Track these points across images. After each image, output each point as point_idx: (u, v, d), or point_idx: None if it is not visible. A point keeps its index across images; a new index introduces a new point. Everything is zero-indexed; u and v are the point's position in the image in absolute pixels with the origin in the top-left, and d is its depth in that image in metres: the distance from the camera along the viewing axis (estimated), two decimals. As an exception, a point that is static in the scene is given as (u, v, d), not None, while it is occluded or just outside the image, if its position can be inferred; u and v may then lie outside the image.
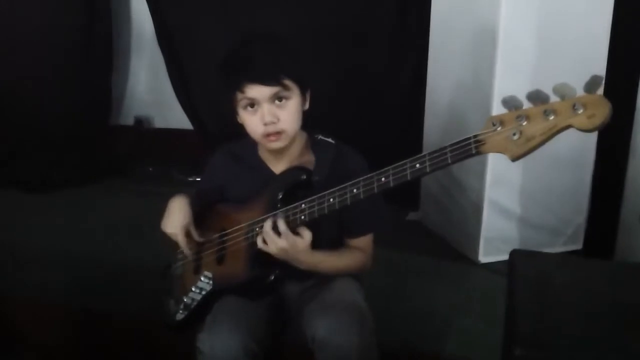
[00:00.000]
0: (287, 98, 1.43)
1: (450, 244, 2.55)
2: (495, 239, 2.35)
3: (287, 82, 1.41)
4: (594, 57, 2.26)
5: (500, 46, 2.14)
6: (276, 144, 1.47)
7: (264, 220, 1.43)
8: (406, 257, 2.44)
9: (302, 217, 1.36)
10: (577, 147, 2.32)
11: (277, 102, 1.43)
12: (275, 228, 1.37)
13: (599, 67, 2.25)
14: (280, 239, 1.36)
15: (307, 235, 1.38)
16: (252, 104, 1.43)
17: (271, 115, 1.42)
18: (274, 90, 1.41)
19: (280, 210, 1.41)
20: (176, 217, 1.54)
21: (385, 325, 1.47)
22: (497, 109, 2.12)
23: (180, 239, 1.53)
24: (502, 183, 2.29)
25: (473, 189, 2.35)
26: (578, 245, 2.47)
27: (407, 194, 2.71)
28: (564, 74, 2.10)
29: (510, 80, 2.14)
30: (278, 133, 1.45)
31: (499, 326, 1.66)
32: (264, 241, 1.39)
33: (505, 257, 2.28)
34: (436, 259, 2.44)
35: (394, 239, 2.48)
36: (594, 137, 2.35)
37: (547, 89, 1.04)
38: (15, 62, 3.30)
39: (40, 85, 3.34)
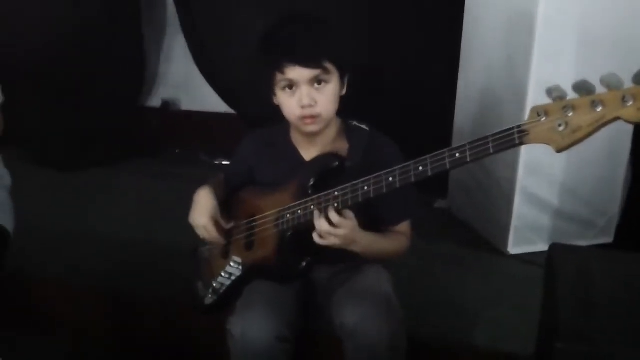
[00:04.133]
0: (326, 82, 1.41)
1: (479, 233, 2.51)
2: (526, 230, 2.31)
3: (328, 65, 1.39)
4: (634, 45, 2.19)
5: (538, 32, 2.07)
6: (311, 127, 1.46)
7: (295, 207, 1.43)
8: (434, 245, 2.42)
9: (335, 205, 1.34)
10: (612, 136, 2.26)
11: (316, 85, 1.41)
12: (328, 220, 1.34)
13: (637, 56, 2.19)
14: (338, 230, 1.33)
15: (350, 215, 1.36)
16: (291, 85, 1.42)
17: (309, 98, 1.40)
18: (314, 73, 1.39)
19: (312, 197, 1.40)
20: (203, 209, 1.55)
21: (414, 315, 1.46)
22: (533, 97, 2.11)
23: (210, 229, 1.53)
24: (534, 172, 2.24)
25: (504, 177, 2.31)
26: (610, 238, 2.41)
27: (435, 181, 2.67)
28: (602, 60, 2.09)
29: (548, 67, 2.08)
30: (314, 117, 1.43)
31: (530, 318, 1.65)
32: (320, 236, 1.35)
33: (535, 248, 2.31)
34: (464, 248, 2.41)
35: (420, 227, 2.46)
36: (629, 127, 2.30)
37: (586, 77, 1.02)
38: (46, 44, 3.32)
39: (71, 67, 3.35)
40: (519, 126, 1.06)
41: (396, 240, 1.53)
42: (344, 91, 1.48)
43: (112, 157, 3.45)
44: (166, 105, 3.72)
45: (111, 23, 3.42)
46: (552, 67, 2.09)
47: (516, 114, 2.16)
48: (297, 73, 1.39)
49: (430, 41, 2.87)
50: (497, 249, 2.37)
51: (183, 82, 3.66)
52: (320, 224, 1.34)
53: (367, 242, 1.41)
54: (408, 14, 2.89)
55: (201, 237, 1.57)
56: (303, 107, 1.41)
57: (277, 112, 1.51)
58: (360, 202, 1.30)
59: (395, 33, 2.94)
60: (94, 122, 3.42)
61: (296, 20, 1.45)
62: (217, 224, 1.55)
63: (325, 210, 1.34)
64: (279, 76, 1.41)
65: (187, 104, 3.73)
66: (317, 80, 1.40)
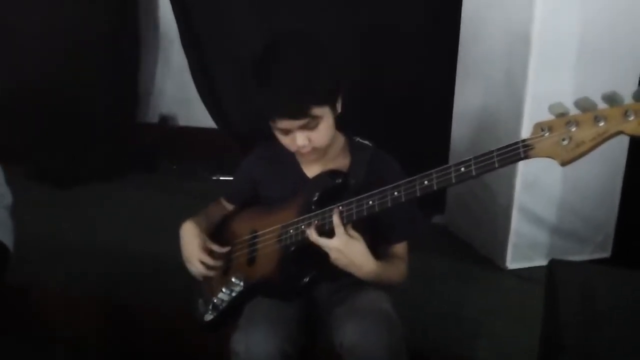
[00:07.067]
0: (318, 121, 1.40)
1: (477, 249, 2.52)
2: (523, 245, 2.32)
3: (316, 110, 1.38)
4: (629, 59, 2.23)
5: (534, 47, 2.10)
6: (311, 157, 1.48)
7: (297, 223, 1.43)
8: (431, 260, 2.42)
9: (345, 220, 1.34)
10: (608, 152, 2.26)
11: (309, 126, 1.41)
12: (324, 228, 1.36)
13: (634, 69, 2.23)
14: (332, 240, 1.35)
15: (357, 235, 1.36)
16: (285, 131, 1.43)
17: (303, 140, 1.42)
18: (304, 122, 1.39)
19: (315, 212, 1.40)
20: (191, 243, 1.56)
21: (413, 330, 1.46)
22: (530, 112, 2.13)
23: (206, 260, 1.54)
24: (531, 188, 2.26)
25: (502, 193, 2.33)
26: (607, 253, 2.43)
27: (433, 196, 2.67)
28: (598, 76, 2.12)
29: (545, 82, 2.11)
30: (311, 151, 1.45)
31: (530, 333, 1.65)
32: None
33: (533, 263, 2.31)
34: (462, 264, 2.42)
35: (418, 243, 2.47)
36: (625, 142, 2.32)
37: (582, 91, 1.06)
38: (44, 59, 3.34)
39: (68, 83, 3.37)
40: (523, 140, 1.08)
41: (398, 268, 1.53)
42: (339, 110, 1.47)
43: (111, 172, 3.44)
44: (164, 120, 3.73)
45: (109, 40, 3.44)
46: (548, 81, 2.12)
47: (513, 129, 2.19)
48: (287, 124, 1.40)
49: (427, 56, 2.90)
50: (494, 265, 2.38)
51: (181, 98, 3.68)
52: (311, 233, 1.37)
53: (372, 269, 1.40)
54: (405, 29, 2.92)
55: (197, 274, 1.57)
56: (299, 147, 1.43)
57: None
58: (365, 216, 1.31)
59: (392, 48, 2.97)
60: (91, 138, 3.42)
61: (277, 66, 1.40)
62: (210, 251, 1.55)
63: (332, 213, 1.36)
64: (272, 123, 1.43)
65: (185, 120, 3.74)
66: (309, 125, 1.40)
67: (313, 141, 1.42)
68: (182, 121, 3.76)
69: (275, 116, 1.39)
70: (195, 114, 3.56)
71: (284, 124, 1.40)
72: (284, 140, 1.46)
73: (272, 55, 1.42)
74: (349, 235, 1.35)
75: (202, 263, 1.54)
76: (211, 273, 1.56)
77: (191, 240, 1.56)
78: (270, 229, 1.51)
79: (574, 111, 1.05)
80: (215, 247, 1.57)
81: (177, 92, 3.71)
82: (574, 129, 1.04)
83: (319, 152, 1.47)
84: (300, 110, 1.36)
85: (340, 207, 1.35)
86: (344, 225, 1.35)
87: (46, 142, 3.42)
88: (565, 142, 1.04)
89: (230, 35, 3.25)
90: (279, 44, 1.44)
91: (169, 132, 3.70)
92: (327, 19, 2.98)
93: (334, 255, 1.37)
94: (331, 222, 1.36)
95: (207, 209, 1.70)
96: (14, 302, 2.09)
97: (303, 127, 1.40)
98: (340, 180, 1.43)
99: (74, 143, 3.42)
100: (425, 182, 1.21)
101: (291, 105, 1.36)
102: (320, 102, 1.38)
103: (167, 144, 3.62)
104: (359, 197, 1.32)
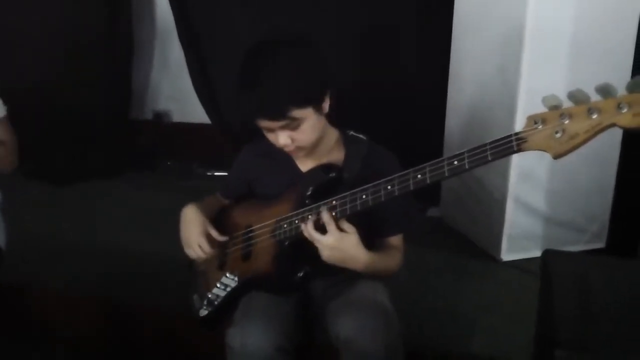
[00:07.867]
0: (300, 122, 1.39)
1: (472, 241, 2.53)
2: (518, 237, 2.33)
3: (297, 112, 1.37)
4: (622, 53, 2.23)
5: (527, 41, 2.10)
6: (298, 154, 1.48)
7: (291, 217, 1.43)
8: (427, 253, 2.43)
9: (334, 214, 1.34)
10: (602, 143, 2.26)
11: (290, 126, 1.40)
12: (317, 225, 1.35)
13: (626, 65, 2.24)
14: (325, 237, 1.34)
15: (351, 229, 1.36)
16: (268, 129, 1.43)
17: (285, 139, 1.41)
18: (283, 123, 1.38)
19: (309, 207, 1.40)
20: (193, 226, 1.56)
21: (408, 323, 1.46)
22: (524, 106, 2.13)
23: (204, 246, 1.54)
24: (525, 179, 2.27)
25: (496, 185, 2.33)
26: (602, 243, 2.44)
27: (428, 189, 2.67)
28: (591, 69, 2.12)
29: (538, 76, 2.11)
30: (295, 150, 1.45)
31: (524, 325, 1.66)
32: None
33: (528, 254, 2.32)
34: (457, 256, 2.43)
35: (413, 236, 2.47)
36: (619, 133, 2.33)
37: (575, 85, 1.05)
38: (39, 58, 3.34)
39: (64, 81, 3.36)
40: (516, 134, 1.08)
41: (394, 257, 1.53)
42: (327, 109, 1.45)
43: (109, 170, 3.45)
44: (158, 117, 3.72)
45: (103, 37, 3.43)
46: (542, 76, 2.12)
47: (506, 123, 2.19)
48: (268, 124, 1.40)
49: (420, 50, 2.89)
50: (490, 256, 2.39)
51: (174, 94, 3.67)
52: (306, 229, 1.36)
53: (366, 259, 1.40)
54: (398, 24, 2.91)
55: (193, 257, 1.57)
56: (281, 145, 1.43)
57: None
58: (359, 210, 1.31)
59: (386, 42, 2.96)
60: (90, 136, 3.42)
61: (262, 66, 1.38)
62: (209, 237, 1.55)
63: (319, 212, 1.36)
64: (255, 122, 1.42)
65: (179, 116, 3.73)
66: (290, 125, 1.39)
67: (296, 141, 1.42)
68: (176, 117, 3.75)
69: (254, 116, 1.39)
70: (189, 109, 3.56)
71: (264, 124, 1.40)
72: (270, 137, 1.46)
73: (255, 56, 1.41)
74: (341, 229, 1.35)
75: (200, 247, 1.54)
76: (207, 256, 1.56)
77: (191, 225, 1.56)
78: (264, 224, 1.51)
79: (567, 103, 1.05)
80: (216, 234, 1.56)
81: (170, 88, 3.70)
82: (567, 122, 1.03)
83: (305, 150, 1.47)
84: (278, 112, 1.36)
85: (334, 202, 1.34)
86: (336, 220, 1.34)
87: (44, 141, 3.41)
88: (558, 135, 1.04)
89: (228, 33, 3.24)
90: (263, 46, 1.42)
91: (166, 128, 3.69)
92: (323, 15, 2.97)
93: (326, 253, 1.36)
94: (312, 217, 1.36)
95: (206, 199, 1.70)
96: (14, 302, 2.09)
97: (284, 127, 1.39)
98: (334, 174, 1.44)
99: (73, 141, 3.42)
100: (419, 176, 1.21)
101: (269, 107, 1.36)
102: (300, 105, 1.37)
103: (162, 140, 3.62)
104: (352, 191, 1.32)
